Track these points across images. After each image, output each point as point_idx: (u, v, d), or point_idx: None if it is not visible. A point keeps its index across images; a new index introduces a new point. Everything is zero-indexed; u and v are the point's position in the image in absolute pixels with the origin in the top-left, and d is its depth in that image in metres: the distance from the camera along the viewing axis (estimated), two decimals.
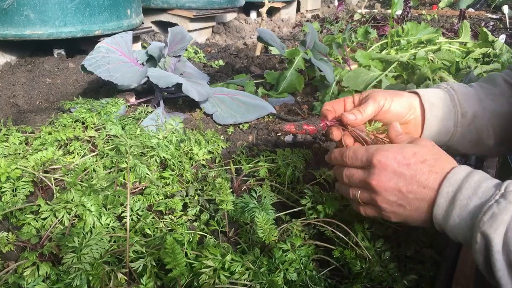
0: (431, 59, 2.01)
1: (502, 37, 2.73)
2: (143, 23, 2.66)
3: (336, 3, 6.05)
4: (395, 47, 2.26)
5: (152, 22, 3.07)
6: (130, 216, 1.04)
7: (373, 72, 2.00)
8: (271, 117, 1.80)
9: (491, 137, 1.08)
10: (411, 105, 1.05)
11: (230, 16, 3.82)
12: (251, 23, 3.86)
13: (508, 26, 4.29)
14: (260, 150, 1.52)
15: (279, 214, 1.07)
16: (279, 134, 0.94)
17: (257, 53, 2.81)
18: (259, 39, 2.10)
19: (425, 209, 0.81)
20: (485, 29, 2.17)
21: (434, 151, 0.85)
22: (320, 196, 1.10)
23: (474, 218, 0.72)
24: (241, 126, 1.73)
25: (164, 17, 3.00)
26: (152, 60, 1.89)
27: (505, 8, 4.36)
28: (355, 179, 0.90)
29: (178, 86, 1.64)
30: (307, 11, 4.97)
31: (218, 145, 1.50)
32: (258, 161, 1.35)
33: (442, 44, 2.19)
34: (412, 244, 1.00)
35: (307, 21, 4.36)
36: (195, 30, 3.07)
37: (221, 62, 2.61)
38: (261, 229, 0.90)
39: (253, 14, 4.13)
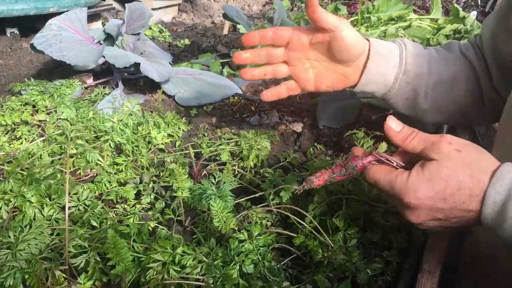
0: (401, 36, 1.95)
1: (474, 13, 2.70)
2: (104, 0, 2.53)
3: None
4: (366, 24, 2.20)
5: (115, 0, 2.93)
6: (76, 206, 0.96)
7: None
8: (236, 97, 1.72)
9: (428, 102, 1.07)
10: (362, 46, 0.99)
11: None
12: (219, 1, 3.74)
13: (479, 3, 4.28)
14: (223, 133, 1.45)
15: (239, 200, 1.01)
16: (305, 187, 0.80)
17: (225, 31, 2.71)
18: (225, 16, 2.01)
19: (472, 222, 0.73)
20: (456, 5, 2.13)
21: (465, 161, 0.70)
22: (282, 180, 1.04)
23: None
24: (205, 108, 1.65)
25: None
26: (110, 39, 1.78)
27: None
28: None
29: (137, 66, 1.54)
30: None
31: (179, 128, 1.41)
32: (220, 144, 1.28)
33: (412, 21, 2.13)
34: (379, 229, 0.95)
35: None
36: (160, 8, 2.94)
37: (186, 41, 2.50)
38: (217, 217, 0.84)
39: None
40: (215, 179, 1.05)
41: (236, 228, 0.90)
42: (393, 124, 0.78)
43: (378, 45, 1.02)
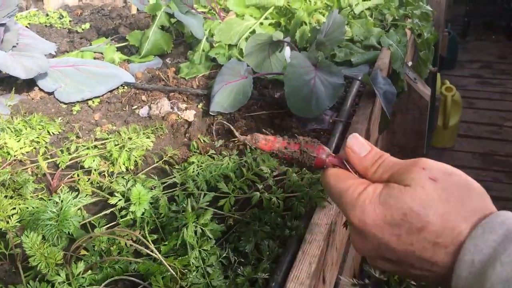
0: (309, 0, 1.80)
1: None
2: None
3: None
4: None
5: None
6: None
7: (247, 22, 1.76)
8: (126, 87, 1.53)
9: None
10: None
11: None
12: None
13: None
14: (103, 131, 1.26)
15: (87, 220, 0.84)
16: (246, 141, 0.61)
17: (133, 11, 2.48)
18: None
19: (439, 279, 0.53)
20: None
21: (440, 196, 0.51)
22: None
23: None
24: (90, 103, 1.46)
25: None
26: None
27: None
28: None
29: None
30: None
31: (48, 132, 1.22)
32: (88, 148, 1.10)
33: None
34: (252, 237, 0.81)
35: None
36: None
37: (87, 26, 2.26)
38: (34, 255, 0.67)
39: None
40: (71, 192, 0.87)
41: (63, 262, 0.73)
42: (356, 147, 0.60)
43: None
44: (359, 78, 1.33)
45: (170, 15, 1.76)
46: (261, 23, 1.78)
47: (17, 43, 1.56)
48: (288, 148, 0.65)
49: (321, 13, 1.67)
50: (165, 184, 0.94)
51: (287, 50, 1.27)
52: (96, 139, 1.20)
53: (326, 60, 1.22)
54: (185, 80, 1.57)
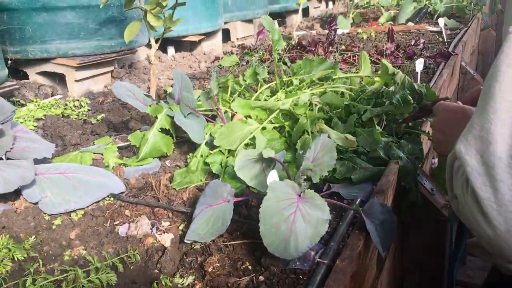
0: (316, 104, 1.70)
1: (420, 61, 2.45)
2: (9, 77, 2.33)
3: (276, 25, 5.80)
4: (284, 89, 1.96)
5: (38, 73, 2.74)
6: None
7: (250, 126, 1.68)
8: (112, 199, 1.46)
9: None
10: None
11: (142, 55, 3.51)
12: (165, 61, 3.54)
13: (445, 40, 4.06)
14: (71, 256, 1.18)
15: None
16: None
17: None
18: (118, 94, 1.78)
19: None
20: (384, 61, 1.88)
21: None
22: None
23: None
24: (73, 215, 1.39)
25: (48, 67, 2.67)
26: None
27: (441, 21, 4.14)
28: None
29: None
30: (238, 39, 4.68)
31: (13, 257, 1.15)
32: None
33: (336, 81, 1.89)
34: None
35: (231, 52, 4.06)
36: (86, 78, 2.74)
37: (101, 117, 2.27)
38: None
39: (171, 50, 3.82)
40: None
41: None
42: None
43: None
44: (353, 207, 1.20)
45: (172, 117, 1.72)
46: (264, 128, 1.70)
47: (11, 148, 1.55)
48: None
49: (322, 122, 1.57)
50: None
51: (271, 175, 1.16)
52: (58, 270, 1.11)
53: (311, 191, 1.10)
54: (176, 191, 1.49)
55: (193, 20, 3.71)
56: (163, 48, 3.82)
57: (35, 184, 1.45)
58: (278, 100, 1.87)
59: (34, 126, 2.14)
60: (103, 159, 1.73)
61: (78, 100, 2.54)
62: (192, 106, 1.73)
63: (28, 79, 2.78)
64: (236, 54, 3.91)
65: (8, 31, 2.54)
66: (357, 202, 1.28)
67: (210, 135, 1.71)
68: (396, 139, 1.59)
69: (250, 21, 4.96)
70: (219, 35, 4.17)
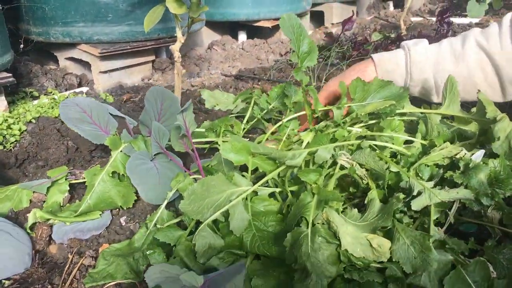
0: (343, 165, 1.02)
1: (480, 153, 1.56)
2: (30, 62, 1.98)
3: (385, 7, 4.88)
4: (321, 125, 1.29)
5: (66, 59, 2.37)
6: None
7: (235, 187, 1.07)
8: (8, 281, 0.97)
9: (438, 95, 1.30)
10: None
11: (200, 41, 3.00)
12: (230, 50, 2.99)
13: None
14: None
15: None
16: None
17: None
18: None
19: None
20: (483, 95, 1.11)
21: None
22: None
23: None
24: None
25: (75, 53, 2.28)
26: None
27: None
28: None
29: None
30: (332, 24, 3.93)
31: None
32: None
33: (391, 122, 1.16)
34: None
35: (326, 37, 3.35)
36: (116, 69, 2.30)
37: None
38: None
39: (242, 36, 3.25)
40: None
41: None
42: None
43: (384, 62, 1.35)
44: None
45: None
46: (255, 192, 1.08)
47: None
48: None
49: (331, 208, 0.90)
50: None
51: None
52: None
53: None
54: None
55: (269, 1, 3.09)
56: (232, 33, 3.27)
57: None
58: (295, 143, 1.22)
59: (21, 132, 1.75)
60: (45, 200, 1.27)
61: (99, 96, 2.12)
62: (161, 144, 1.17)
63: (58, 64, 2.44)
64: (322, 45, 3.21)
65: (30, 9, 2.18)
66: None
67: (178, 191, 1.13)
68: (464, 259, 0.86)
69: (351, 2, 4.17)
70: (305, 20, 3.50)
